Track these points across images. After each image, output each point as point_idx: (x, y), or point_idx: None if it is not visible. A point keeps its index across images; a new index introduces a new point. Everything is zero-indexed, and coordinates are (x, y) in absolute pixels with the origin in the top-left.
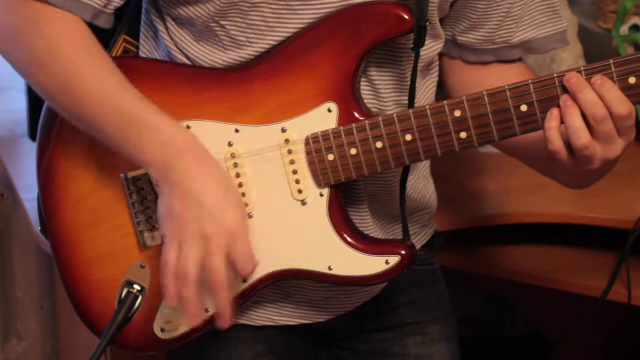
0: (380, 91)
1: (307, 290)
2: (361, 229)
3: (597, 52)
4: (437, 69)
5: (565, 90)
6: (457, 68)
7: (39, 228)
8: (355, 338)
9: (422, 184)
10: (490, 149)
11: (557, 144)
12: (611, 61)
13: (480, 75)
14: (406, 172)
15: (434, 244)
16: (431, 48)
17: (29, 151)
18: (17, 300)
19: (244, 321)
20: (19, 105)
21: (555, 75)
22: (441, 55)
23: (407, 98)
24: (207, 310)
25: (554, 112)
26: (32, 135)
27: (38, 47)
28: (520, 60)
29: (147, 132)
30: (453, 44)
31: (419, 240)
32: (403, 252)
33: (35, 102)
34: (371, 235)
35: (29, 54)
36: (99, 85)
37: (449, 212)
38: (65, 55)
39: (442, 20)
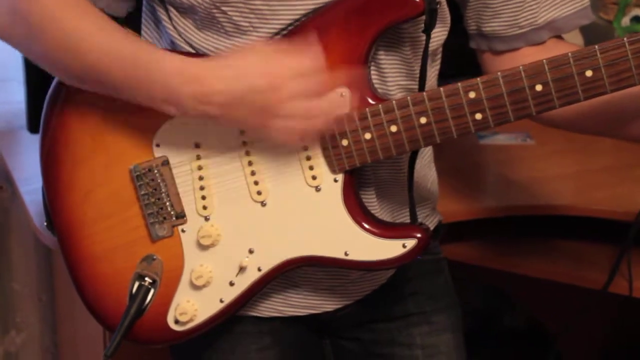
0: (386, 75)
1: (313, 280)
2: None
3: (597, 43)
4: (440, 57)
5: (578, 69)
6: (490, 60)
7: (45, 223)
8: (361, 328)
9: (423, 170)
10: (491, 140)
11: None
12: (625, 39)
13: (514, 61)
14: (414, 155)
15: (438, 233)
16: (438, 33)
17: (28, 143)
18: (15, 293)
19: (250, 312)
20: (17, 97)
21: (569, 54)
22: (476, 52)
23: (411, 82)
24: (221, 301)
25: None
26: (31, 127)
27: (34, 15)
28: (556, 37)
29: (154, 71)
30: (479, 36)
31: None
32: (419, 235)
33: (33, 93)
34: None
35: (27, 26)
36: (99, 39)
37: (450, 204)
38: (62, 18)
39: (458, 10)
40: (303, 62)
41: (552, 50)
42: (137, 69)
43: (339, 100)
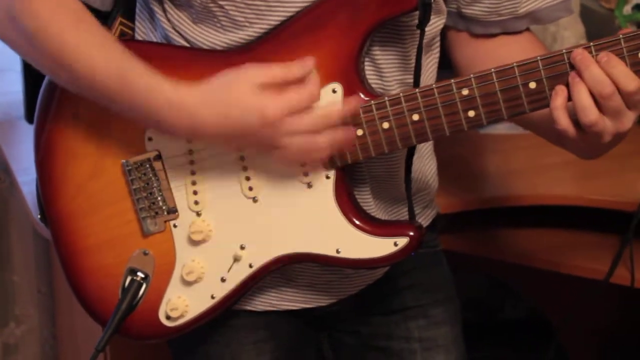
0: (383, 70)
1: (308, 274)
2: None
3: (599, 31)
4: (438, 45)
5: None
6: (464, 41)
7: (39, 216)
8: (358, 321)
9: (422, 163)
10: (491, 129)
11: (563, 122)
12: (620, 36)
13: (487, 47)
14: (411, 152)
15: (436, 225)
16: (435, 24)
17: (26, 133)
18: (14, 284)
19: (245, 307)
20: (16, 87)
21: (564, 51)
22: (448, 28)
23: (410, 77)
24: (212, 297)
25: (558, 90)
26: (29, 118)
27: (30, 28)
28: (527, 30)
29: (151, 95)
30: (459, 16)
31: (421, 221)
32: (411, 233)
33: (31, 84)
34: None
35: (23, 35)
36: (94, 62)
37: (450, 194)
38: (56, 33)
39: None
40: (298, 98)
41: (528, 42)
42: (131, 98)
43: (339, 133)
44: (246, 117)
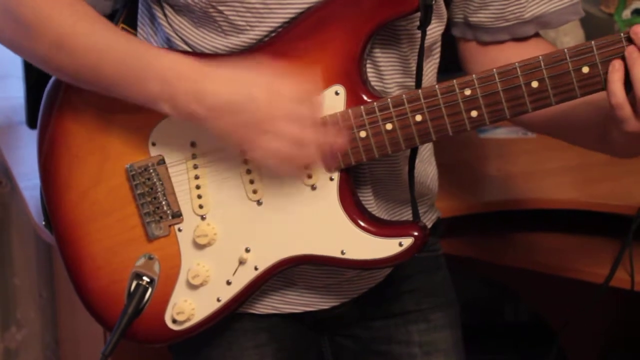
0: (383, 72)
1: (310, 278)
2: None
3: (599, 36)
4: (438, 51)
5: (575, 66)
6: (474, 50)
7: (43, 222)
8: (359, 325)
9: (423, 166)
10: (491, 134)
11: (620, 96)
12: (622, 35)
13: (497, 54)
14: (414, 153)
15: (437, 230)
16: (434, 28)
17: (27, 138)
18: (15, 288)
19: (247, 310)
20: (17, 92)
21: (565, 50)
22: (457, 39)
23: (409, 80)
24: (218, 300)
25: (616, 64)
26: (30, 122)
27: (24, 14)
28: (536, 35)
29: (150, 65)
30: (466, 25)
31: None
32: (416, 233)
33: (32, 89)
34: None
35: (17, 26)
36: (94, 41)
37: (450, 199)
38: (53, 17)
39: (447, 1)
40: (306, 88)
41: (537, 48)
42: (133, 64)
43: (333, 134)
44: (252, 88)
